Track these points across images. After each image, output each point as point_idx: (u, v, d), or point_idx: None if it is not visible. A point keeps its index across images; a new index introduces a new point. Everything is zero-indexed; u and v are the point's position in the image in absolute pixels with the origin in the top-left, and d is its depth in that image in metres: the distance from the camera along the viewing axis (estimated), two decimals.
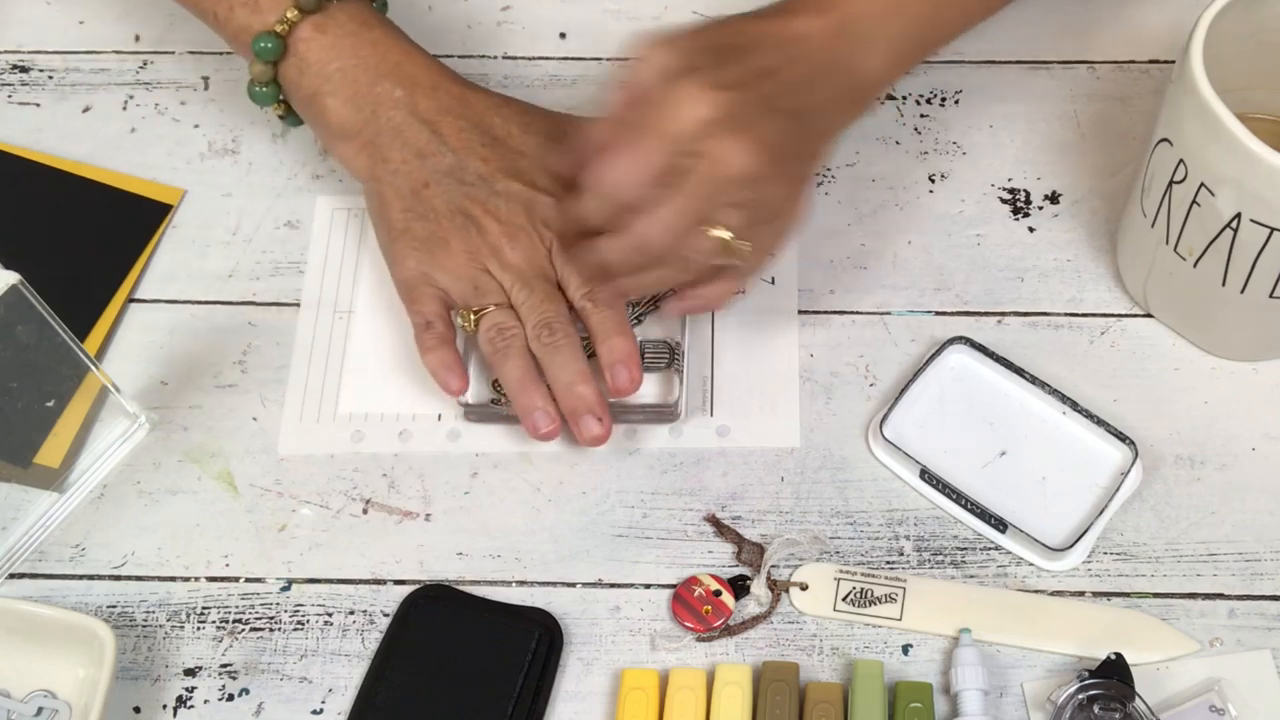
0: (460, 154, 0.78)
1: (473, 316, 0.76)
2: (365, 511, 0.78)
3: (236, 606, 0.75)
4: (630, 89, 0.69)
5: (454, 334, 0.77)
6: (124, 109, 0.91)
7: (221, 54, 0.92)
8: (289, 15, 0.78)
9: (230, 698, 0.73)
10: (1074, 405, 0.77)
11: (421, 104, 0.79)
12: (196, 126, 0.90)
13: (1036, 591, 0.74)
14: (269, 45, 0.78)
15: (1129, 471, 0.76)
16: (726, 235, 0.69)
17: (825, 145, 0.74)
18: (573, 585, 0.75)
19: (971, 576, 0.75)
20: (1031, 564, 0.75)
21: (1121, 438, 0.76)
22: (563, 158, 0.76)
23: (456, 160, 0.77)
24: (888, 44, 0.73)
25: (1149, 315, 0.82)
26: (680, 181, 0.67)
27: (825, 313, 0.83)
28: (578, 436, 0.76)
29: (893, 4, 0.73)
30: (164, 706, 0.73)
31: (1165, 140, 0.72)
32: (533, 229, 0.77)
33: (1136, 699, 0.69)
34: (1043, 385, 0.78)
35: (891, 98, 0.90)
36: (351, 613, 0.75)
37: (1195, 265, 0.74)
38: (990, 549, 0.75)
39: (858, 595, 0.74)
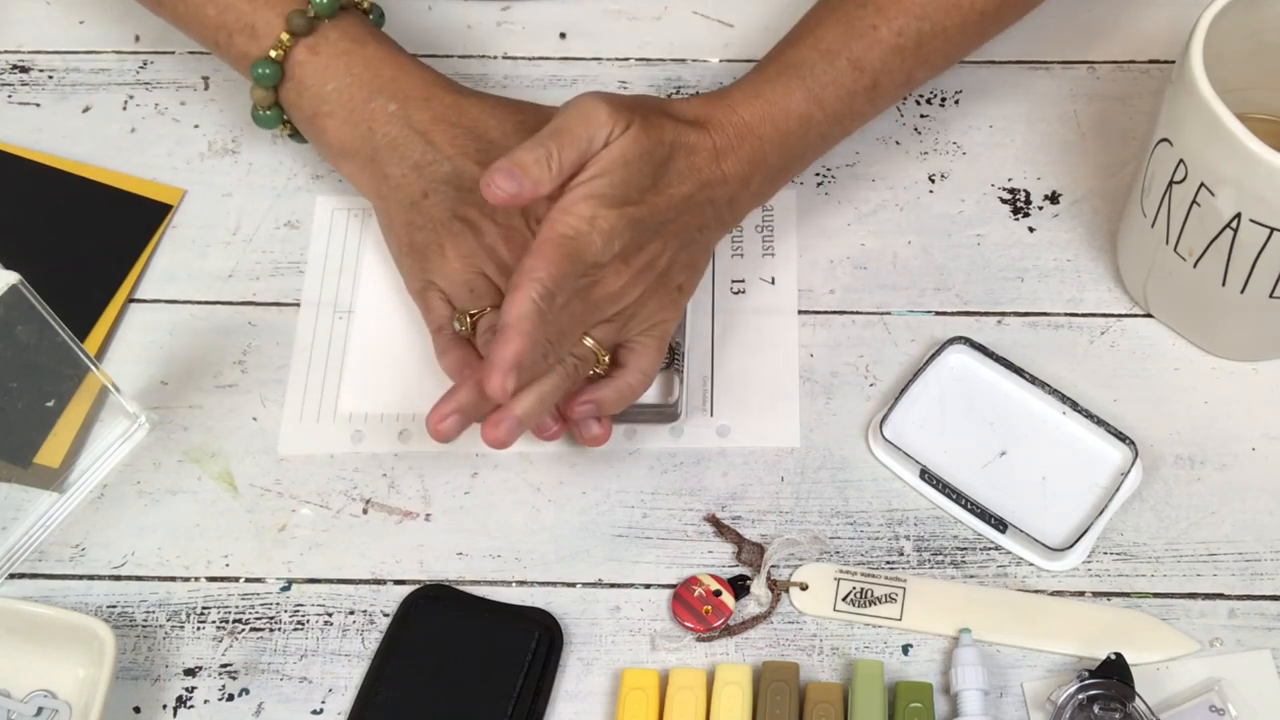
0: (456, 160, 0.78)
1: (469, 319, 0.76)
2: (365, 511, 0.78)
3: (236, 606, 0.75)
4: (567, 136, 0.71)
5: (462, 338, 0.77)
6: (124, 109, 0.91)
7: None
8: (283, 39, 0.79)
9: (230, 698, 0.73)
10: (1074, 405, 0.77)
11: (415, 116, 0.79)
12: (196, 126, 0.90)
13: (1036, 591, 0.74)
14: (266, 71, 0.79)
15: (1129, 471, 0.76)
16: (596, 347, 0.74)
17: (702, 258, 0.76)
18: (573, 585, 0.75)
19: (971, 576, 0.75)
20: (1031, 564, 0.75)
21: (1121, 438, 0.76)
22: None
23: (453, 167, 0.78)
24: (760, 185, 0.77)
25: (1149, 315, 0.82)
26: (579, 294, 0.71)
27: (825, 313, 0.83)
28: (577, 436, 0.76)
29: (796, 118, 0.77)
30: (164, 706, 0.73)
31: (1165, 140, 0.72)
32: (528, 229, 0.77)
33: (1136, 699, 0.69)
34: (1043, 385, 0.78)
35: None
36: (351, 613, 0.75)
37: (1195, 265, 0.74)
38: (990, 549, 0.75)
39: (858, 595, 0.74)
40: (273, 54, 0.79)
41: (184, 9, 0.82)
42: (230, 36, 0.80)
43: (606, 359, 0.75)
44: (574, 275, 0.69)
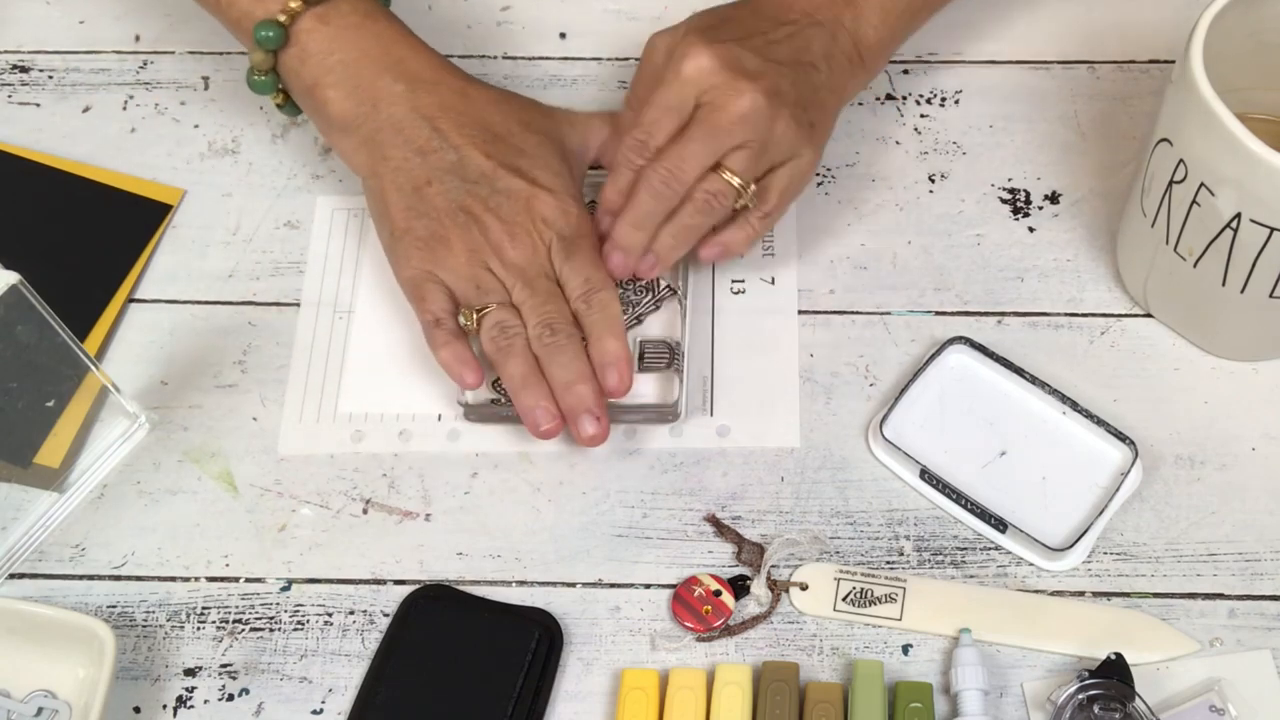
0: (462, 151, 0.77)
1: (475, 315, 0.76)
2: (365, 511, 0.78)
3: (236, 606, 0.75)
4: (642, 75, 0.79)
5: (460, 330, 0.77)
6: (124, 109, 0.91)
7: (221, 54, 0.92)
8: (292, 5, 0.77)
9: (230, 698, 0.73)
10: (1074, 405, 0.77)
11: (423, 100, 0.78)
12: (196, 126, 0.90)
13: (1036, 591, 0.74)
14: (270, 34, 0.77)
15: (1129, 471, 0.76)
16: (734, 180, 0.75)
17: (831, 99, 0.78)
18: (573, 585, 0.75)
19: (971, 576, 0.75)
20: (1031, 564, 0.75)
21: (1121, 438, 0.76)
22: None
23: (458, 157, 0.77)
24: (879, 10, 0.80)
25: (1149, 315, 0.82)
26: (690, 127, 0.74)
27: (825, 313, 0.83)
28: (575, 436, 0.76)
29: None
30: (164, 706, 0.73)
31: (1165, 140, 0.72)
32: (533, 227, 0.77)
33: (1136, 699, 0.69)
34: (1043, 385, 0.78)
35: (891, 98, 0.90)
36: (351, 613, 0.75)
37: (1195, 265, 0.74)
38: (990, 549, 0.75)
39: (858, 595, 0.74)
40: (280, 17, 0.77)
41: None
42: None
43: (751, 191, 0.76)
44: (667, 108, 0.73)
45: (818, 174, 0.87)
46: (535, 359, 0.76)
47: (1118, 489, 0.75)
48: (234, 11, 0.79)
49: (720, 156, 0.74)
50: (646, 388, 0.79)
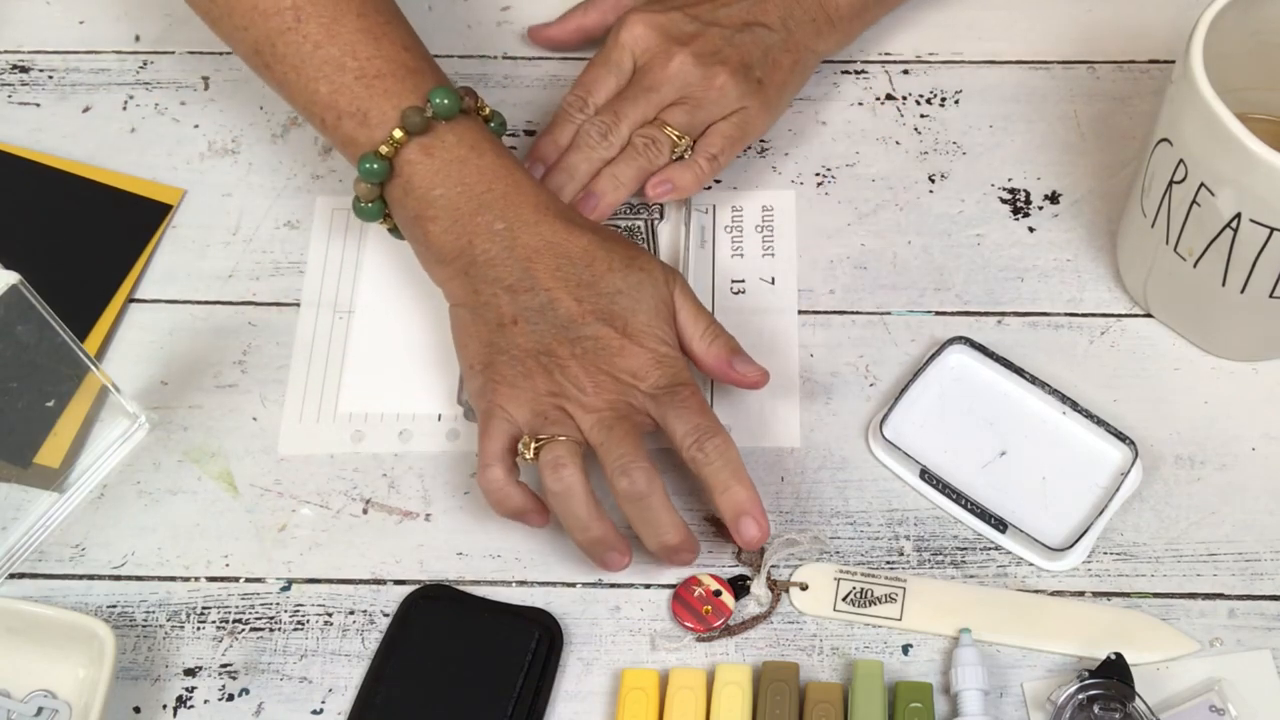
0: (552, 294, 0.74)
1: (534, 445, 0.72)
2: (365, 511, 0.78)
3: (236, 606, 0.75)
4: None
5: (516, 473, 0.73)
6: (124, 109, 0.91)
7: (222, 54, 0.92)
8: (396, 134, 0.75)
9: (230, 698, 0.73)
10: (1074, 405, 0.77)
11: (521, 238, 0.74)
12: (196, 126, 0.90)
13: (1036, 591, 0.74)
14: (375, 167, 0.75)
15: (1129, 471, 0.76)
16: (670, 131, 0.82)
17: (786, 57, 0.84)
18: (573, 585, 0.75)
19: (971, 576, 0.75)
20: (1031, 564, 0.75)
21: (1121, 438, 0.76)
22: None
23: (547, 299, 0.74)
24: None
25: (1149, 315, 0.82)
26: (627, 87, 0.83)
27: (825, 313, 0.83)
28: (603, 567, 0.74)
29: None
30: (164, 706, 0.73)
31: (1165, 140, 0.72)
32: (617, 375, 0.73)
33: (1136, 699, 0.69)
34: (1043, 385, 0.78)
35: (891, 98, 0.90)
36: (351, 613, 0.75)
37: (1195, 265, 0.74)
38: (990, 549, 0.75)
39: (858, 595, 0.74)
40: (383, 149, 0.75)
41: (295, 80, 0.77)
42: (339, 119, 0.76)
43: (687, 142, 0.82)
44: (605, 68, 0.83)
45: (818, 174, 0.87)
46: (591, 491, 0.72)
47: (1118, 489, 0.75)
48: (339, 135, 0.77)
49: (657, 111, 0.82)
50: None
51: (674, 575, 0.75)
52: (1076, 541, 0.74)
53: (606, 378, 0.73)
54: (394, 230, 0.80)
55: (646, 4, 0.85)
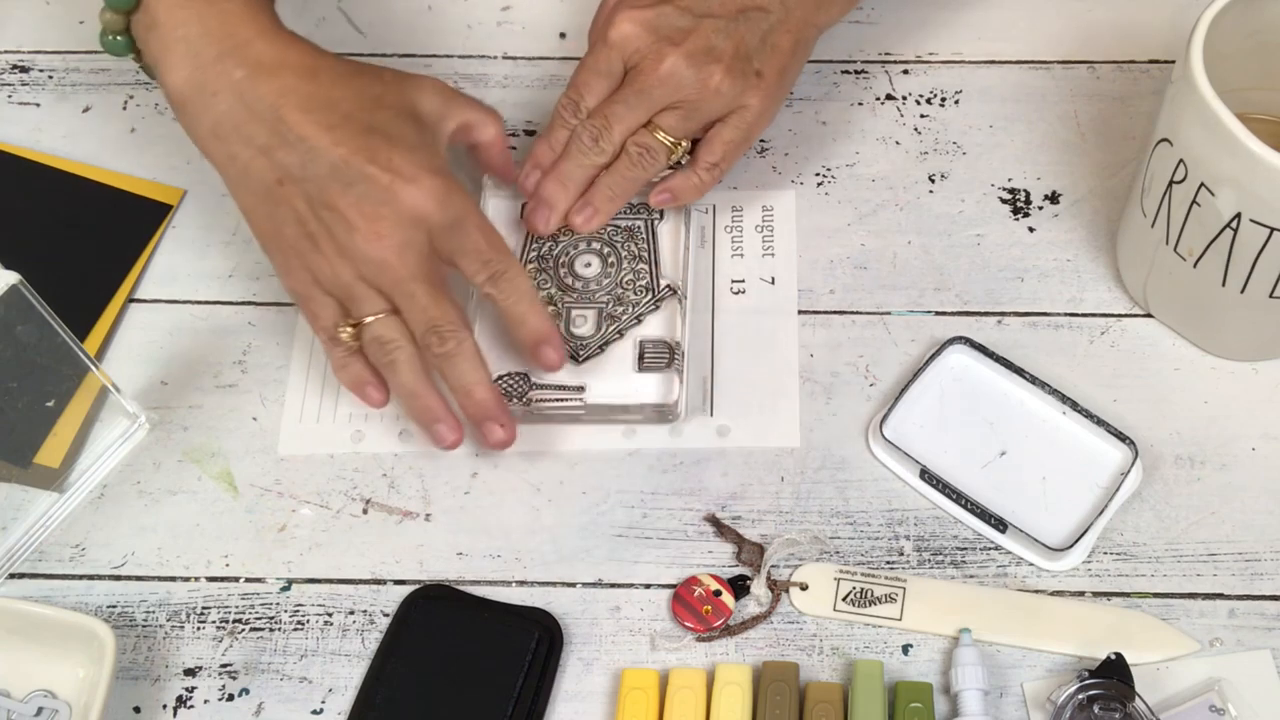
0: (309, 141, 0.70)
1: (351, 330, 0.73)
2: (365, 511, 0.78)
3: (236, 606, 0.75)
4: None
5: (357, 342, 0.74)
6: (124, 109, 0.91)
7: None
8: None
9: (230, 698, 0.73)
10: (1074, 405, 0.77)
11: (262, 89, 0.71)
12: None
13: (1036, 591, 0.74)
14: None
15: (1129, 471, 0.76)
16: (665, 138, 0.79)
17: (785, 39, 0.79)
18: (573, 585, 0.75)
19: (971, 576, 0.75)
20: (1031, 564, 0.75)
21: (1121, 438, 0.76)
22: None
23: (306, 149, 0.70)
24: None
25: (1149, 315, 0.82)
26: (619, 90, 0.79)
27: (825, 313, 0.83)
28: (483, 442, 0.75)
29: None
30: (164, 706, 0.73)
31: (1165, 140, 0.72)
32: (399, 222, 0.71)
33: (1136, 699, 0.69)
34: (1043, 385, 0.78)
35: (891, 98, 0.90)
36: (351, 613, 0.75)
37: (1195, 265, 0.74)
38: (990, 549, 0.75)
39: (858, 595, 0.74)
40: None
41: None
42: None
43: (684, 147, 0.79)
44: (596, 71, 0.78)
45: (818, 174, 0.87)
46: (422, 366, 0.73)
47: (1118, 489, 0.75)
48: None
49: (651, 116, 0.78)
50: (646, 388, 0.79)
51: (674, 575, 0.75)
52: (1076, 541, 0.74)
53: (389, 225, 0.70)
54: (146, 70, 0.77)
55: None
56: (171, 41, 0.72)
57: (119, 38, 0.75)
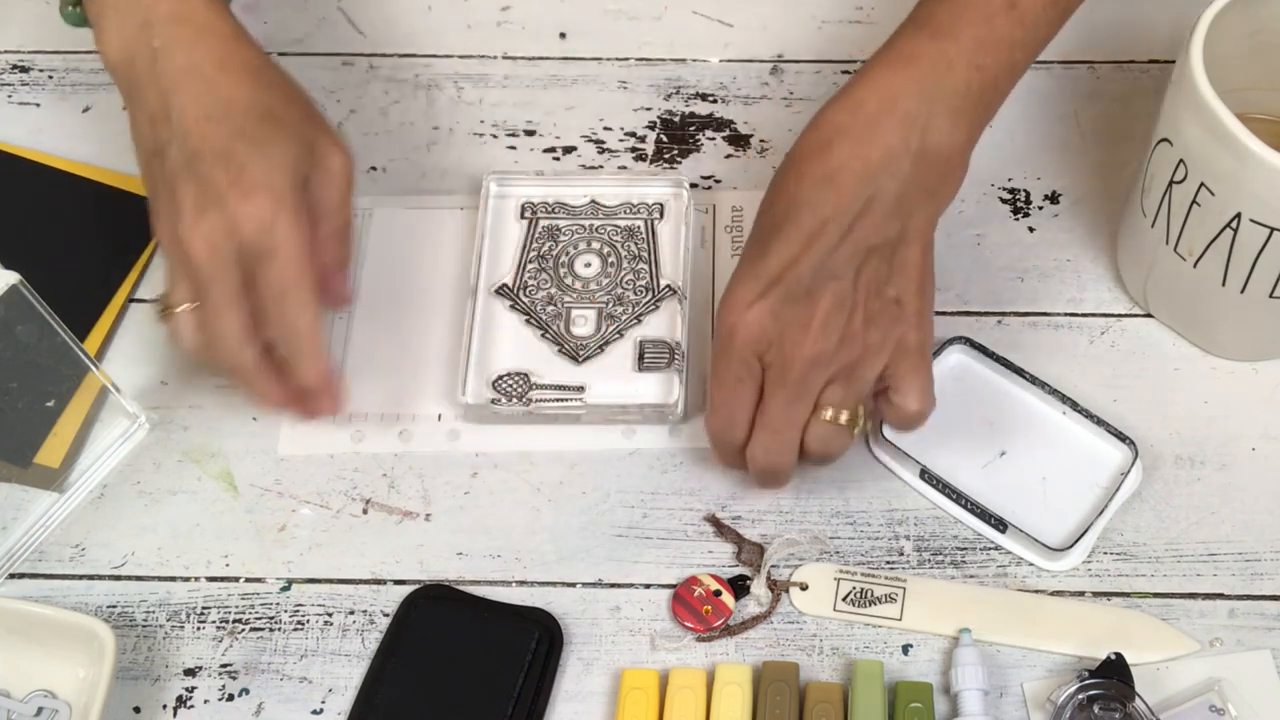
0: (185, 125, 0.70)
1: (164, 309, 0.73)
2: (365, 511, 0.78)
3: (236, 606, 0.75)
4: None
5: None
6: (124, 109, 0.91)
7: None
8: None
9: (230, 698, 0.73)
10: (1074, 405, 0.77)
11: (173, 61, 0.71)
12: None
13: (1036, 591, 0.74)
14: None
15: (1129, 471, 0.76)
16: (839, 417, 0.71)
17: (913, 249, 0.70)
18: (573, 585, 0.75)
19: (971, 576, 0.75)
20: (1031, 564, 0.75)
21: (1121, 438, 0.76)
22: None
23: (181, 131, 0.70)
24: (948, 106, 0.68)
25: (1149, 315, 0.82)
26: (768, 392, 0.70)
27: None
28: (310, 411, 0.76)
29: (938, 64, 0.68)
30: (164, 706, 0.73)
31: (1165, 140, 0.72)
32: (215, 224, 0.69)
33: (1136, 699, 0.69)
34: (1043, 385, 0.78)
35: None
36: (351, 613, 0.75)
37: (1195, 265, 0.74)
38: (990, 549, 0.75)
39: (858, 595, 0.74)
40: None
41: None
42: None
43: (861, 414, 0.72)
44: (736, 381, 0.70)
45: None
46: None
47: (1118, 489, 0.75)
48: None
49: (815, 401, 0.70)
50: (646, 388, 0.79)
51: (674, 575, 0.75)
52: (1076, 541, 0.74)
53: (209, 224, 0.69)
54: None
55: (740, 280, 0.69)
56: (106, 8, 0.72)
57: (73, 8, 0.75)
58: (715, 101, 0.91)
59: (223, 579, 0.76)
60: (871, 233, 0.68)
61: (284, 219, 0.70)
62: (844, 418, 0.71)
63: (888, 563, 0.75)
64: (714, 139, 0.89)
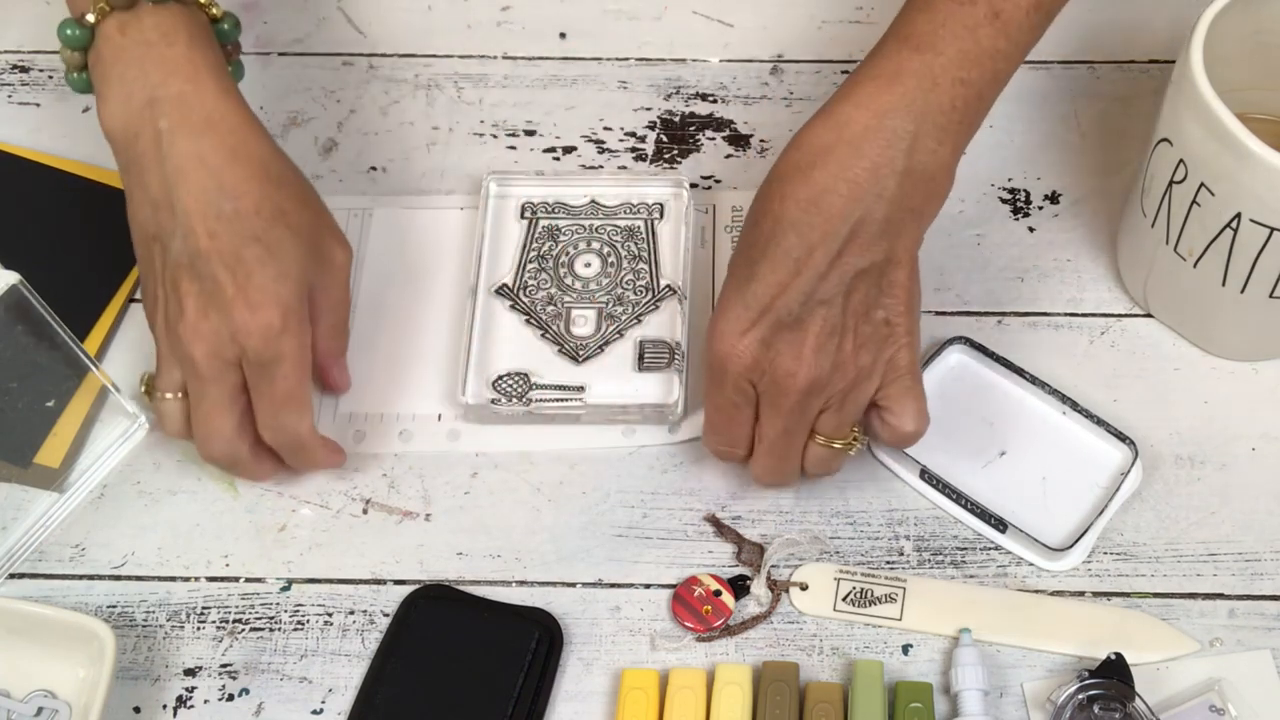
0: (189, 220, 0.70)
1: (143, 387, 0.76)
2: (365, 511, 0.78)
3: (236, 606, 0.75)
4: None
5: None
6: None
7: None
8: (101, 5, 0.71)
9: (230, 698, 0.73)
10: (1074, 405, 0.77)
11: (178, 146, 0.70)
12: None
13: (1036, 591, 0.74)
14: (71, 33, 0.72)
15: (1129, 471, 0.76)
16: (834, 443, 0.72)
17: (901, 271, 0.69)
18: (573, 585, 0.75)
19: (971, 576, 0.75)
20: (1031, 564, 0.75)
21: (1121, 438, 0.76)
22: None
23: (185, 226, 0.70)
24: (934, 123, 0.67)
25: (1149, 315, 0.82)
26: (763, 416, 0.71)
27: None
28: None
29: (922, 81, 0.67)
30: (164, 706, 0.73)
31: (1165, 140, 0.72)
32: (219, 331, 0.70)
33: (1136, 699, 0.69)
34: (1043, 385, 0.78)
35: None
36: (351, 613, 0.75)
37: (1195, 265, 0.74)
38: (990, 549, 0.75)
39: (858, 595, 0.74)
40: (90, 17, 0.71)
41: None
42: None
43: (855, 437, 0.72)
44: (733, 406, 0.70)
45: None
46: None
47: (1118, 489, 0.75)
48: (70, 4, 0.74)
49: (810, 426, 0.71)
50: (646, 388, 0.79)
51: (674, 575, 0.75)
52: (1076, 541, 0.74)
53: (209, 328, 0.70)
54: None
55: (728, 308, 0.69)
56: (108, 79, 0.72)
57: (79, 75, 0.74)
58: (715, 101, 0.91)
59: (223, 579, 0.76)
60: (859, 257, 0.67)
61: (290, 332, 0.70)
62: (838, 443, 0.72)
63: (888, 563, 0.75)
64: (714, 139, 0.89)
